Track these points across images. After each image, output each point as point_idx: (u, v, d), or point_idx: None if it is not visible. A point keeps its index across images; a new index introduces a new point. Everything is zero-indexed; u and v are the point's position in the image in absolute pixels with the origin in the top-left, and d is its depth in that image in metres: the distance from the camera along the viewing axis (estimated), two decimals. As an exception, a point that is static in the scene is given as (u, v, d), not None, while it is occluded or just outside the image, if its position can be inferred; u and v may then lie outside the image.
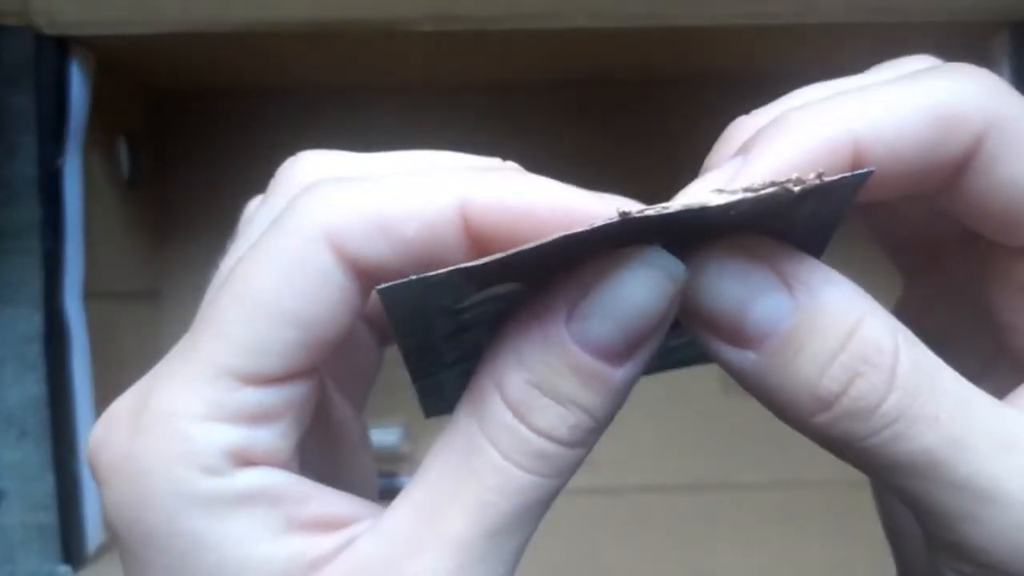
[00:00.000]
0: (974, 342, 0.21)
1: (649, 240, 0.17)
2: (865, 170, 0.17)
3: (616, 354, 0.17)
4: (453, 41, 0.38)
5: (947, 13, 0.37)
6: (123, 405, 0.18)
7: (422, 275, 0.17)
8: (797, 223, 0.18)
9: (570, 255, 0.17)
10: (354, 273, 0.17)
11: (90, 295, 0.40)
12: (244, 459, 0.17)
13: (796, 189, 0.16)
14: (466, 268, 0.17)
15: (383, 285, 0.17)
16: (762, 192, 0.16)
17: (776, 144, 0.17)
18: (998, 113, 0.18)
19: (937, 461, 0.17)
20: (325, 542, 0.18)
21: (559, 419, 0.17)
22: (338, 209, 0.17)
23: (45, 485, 0.50)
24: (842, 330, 0.17)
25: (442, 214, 0.17)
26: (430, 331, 0.19)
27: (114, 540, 0.18)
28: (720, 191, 0.16)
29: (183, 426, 0.17)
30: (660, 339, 0.18)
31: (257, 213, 0.20)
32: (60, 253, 0.38)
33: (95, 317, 0.40)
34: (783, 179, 0.16)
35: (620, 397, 0.18)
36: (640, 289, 0.17)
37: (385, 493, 0.55)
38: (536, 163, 0.27)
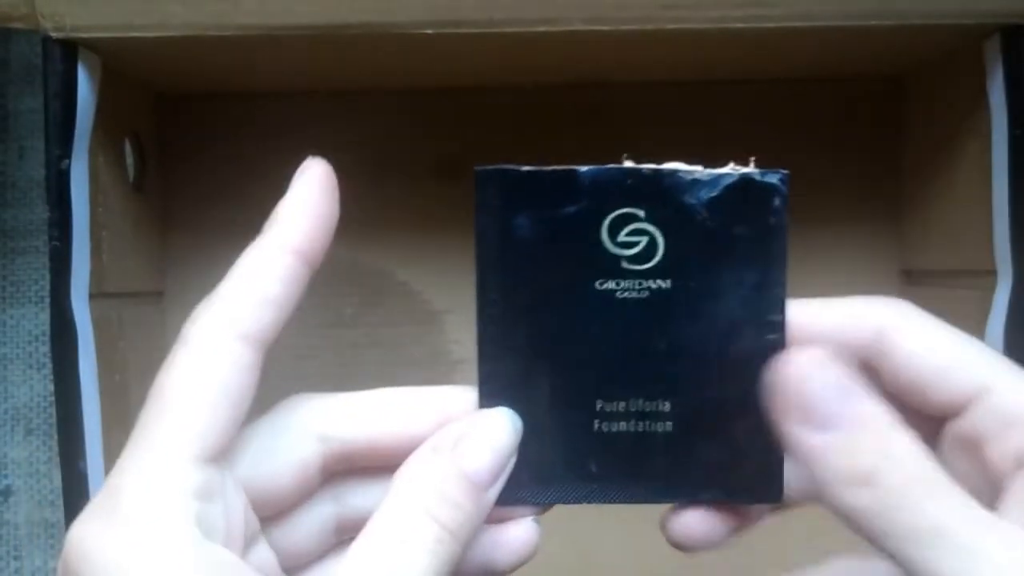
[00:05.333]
0: None
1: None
2: (781, 172, 0.25)
3: (487, 477, 0.25)
4: (454, 44, 0.38)
5: (939, 16, 0.37)
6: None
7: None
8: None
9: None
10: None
11: (95, 295, 0.40)
12: (204, 495, 0.23)
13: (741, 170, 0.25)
14: None
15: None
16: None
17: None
18: (899, 310, 0.25)
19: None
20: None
21: (452, 518, 0.24)
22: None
23: (52, 482, 0.50)
24: (891, 440, 0.22)
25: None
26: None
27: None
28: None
29: (165, 465, 0.23)
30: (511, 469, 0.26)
31: None
32: (67, 253, 0.38)
33: (100, 317, 0.41)
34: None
35: (486, 510, 0.25)
36: (500, 434, 0.25)
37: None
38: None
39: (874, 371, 0.25)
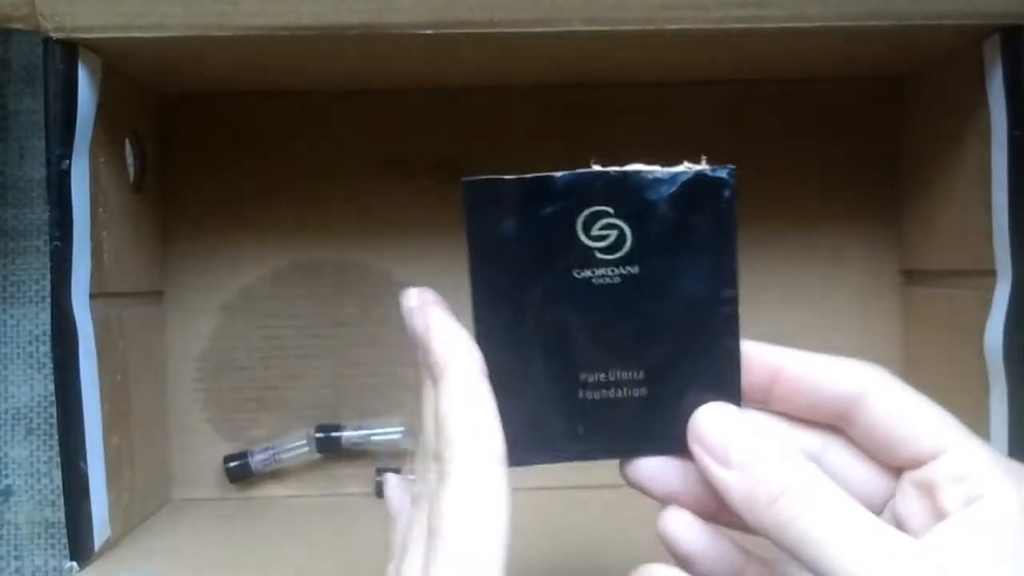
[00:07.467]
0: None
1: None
2: (728, 167, 0.28)
3: None
4: (452, 44, 0.38)
5: (939, 16, 0.37)
6: None
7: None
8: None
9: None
10: None
11: (96, 295, 0.40)
12: None
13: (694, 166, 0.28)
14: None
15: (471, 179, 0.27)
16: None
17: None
18: (877, 375, 0.28)
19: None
20: None
21: None
22: None
23: (52, 482, 0.50)
24: (780, 469, 0.27)
25: None
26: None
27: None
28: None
29: None
30: None
31: None
32: (68, 254, 0.38)
33: (101, 317, 0.41)
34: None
35: None
36: None
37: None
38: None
39: (848, 423, 0.29)
